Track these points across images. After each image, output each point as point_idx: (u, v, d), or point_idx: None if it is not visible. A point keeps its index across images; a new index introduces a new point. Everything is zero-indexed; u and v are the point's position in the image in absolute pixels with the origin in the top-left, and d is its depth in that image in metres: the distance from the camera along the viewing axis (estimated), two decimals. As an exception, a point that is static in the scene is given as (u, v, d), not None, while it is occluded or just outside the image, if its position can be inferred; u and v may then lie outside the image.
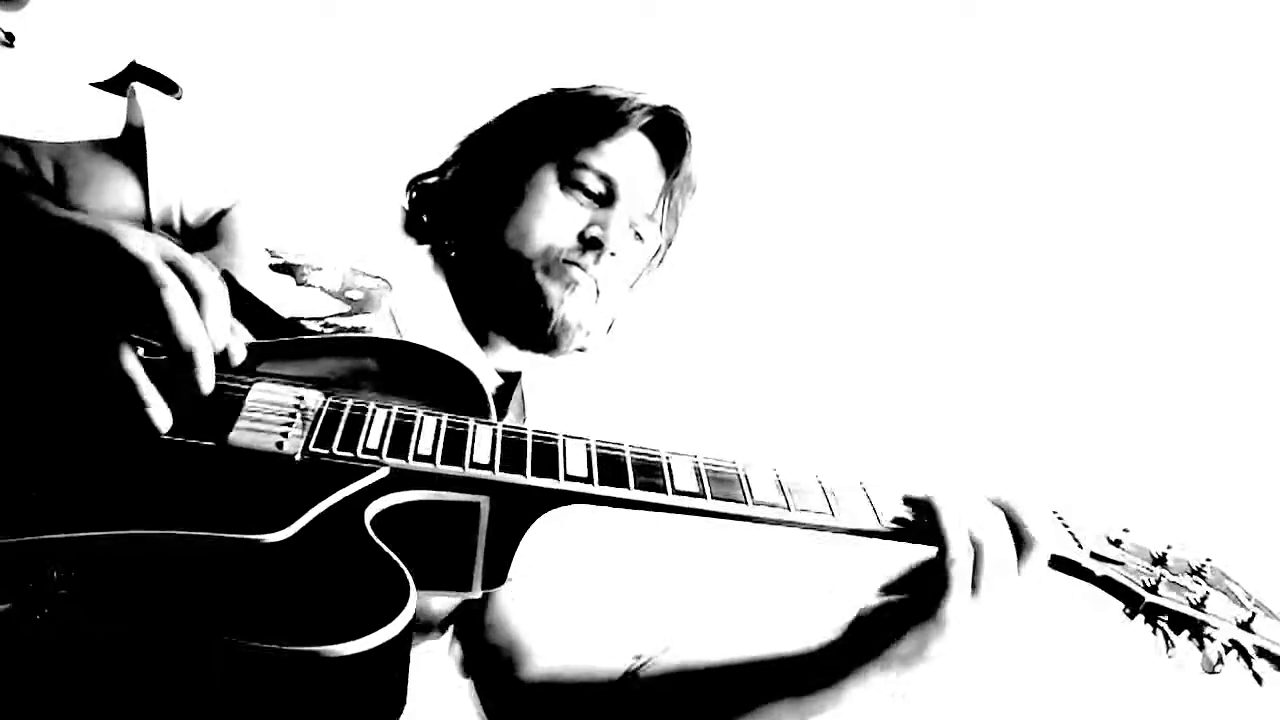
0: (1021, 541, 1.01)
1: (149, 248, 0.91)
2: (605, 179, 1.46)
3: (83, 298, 0.91)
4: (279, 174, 1.43)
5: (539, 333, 1.44)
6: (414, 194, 1.59)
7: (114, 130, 1.42)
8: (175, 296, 0.89)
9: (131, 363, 0.90)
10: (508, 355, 1.50)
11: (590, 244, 1.43)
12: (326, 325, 1.30)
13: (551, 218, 1.44)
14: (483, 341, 1.48)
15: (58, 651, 0.78)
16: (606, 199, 1.47)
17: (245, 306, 1.25)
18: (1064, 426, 2.45)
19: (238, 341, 1.00)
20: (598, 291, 1.44)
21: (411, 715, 0.94)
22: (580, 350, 1.55)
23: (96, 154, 1.35)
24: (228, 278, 1.27)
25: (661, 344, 2.31)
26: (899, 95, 2.63)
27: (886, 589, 1.06)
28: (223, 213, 1.36)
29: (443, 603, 1.36)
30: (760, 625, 1.13)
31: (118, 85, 2.53)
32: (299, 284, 1.31)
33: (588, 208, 1.46)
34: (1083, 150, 2.59)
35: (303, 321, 1.28)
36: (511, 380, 1.49)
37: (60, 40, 2.44)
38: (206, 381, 0.92)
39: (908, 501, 1.06)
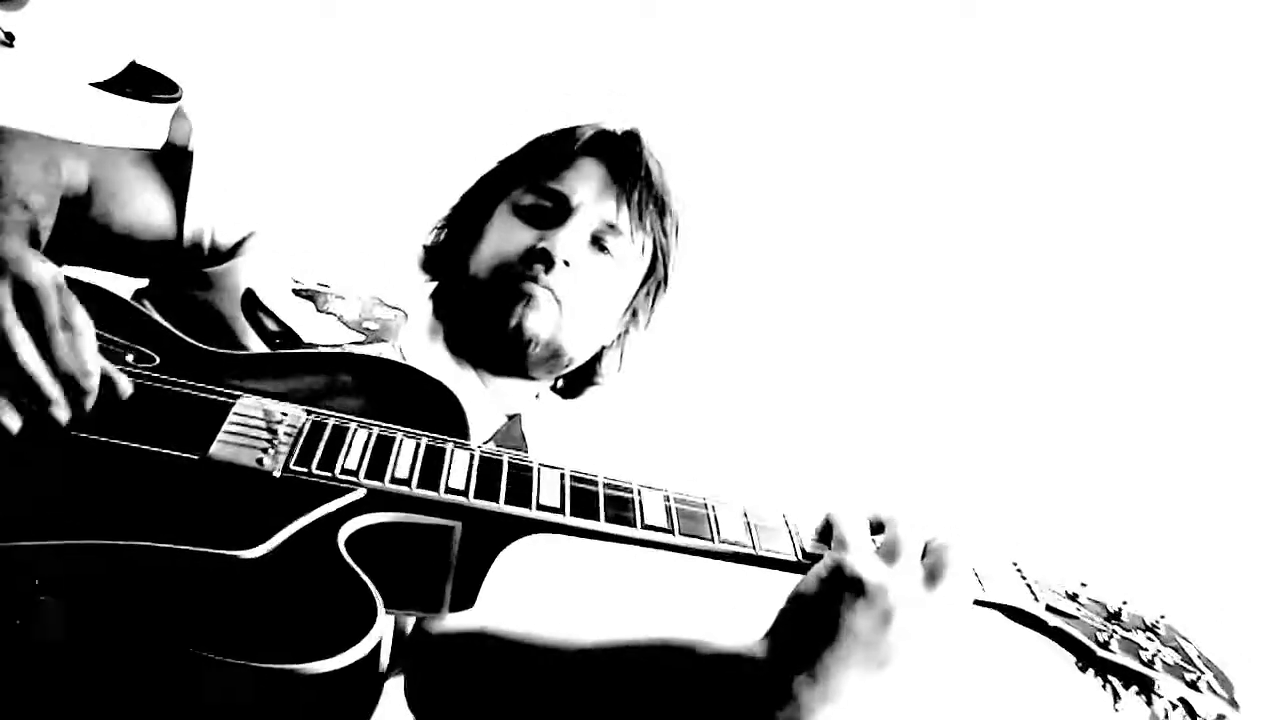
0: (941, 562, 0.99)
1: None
2: (554, 194, 1.50)
3: None
4: (306, 198, 1.47)
5: (503, 350, 1.46)
6: (423, 252, 1.64)
7: (119, 132, 1.44)
8: (10, 322, 0.90)
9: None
10: (507, 392, 1.52)
11: (539, 256, 1.45)
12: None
13: (504, 240, 1.49)
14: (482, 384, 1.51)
15: (34, 659, 0.79)
16: (558, 218, 1.50)
17: (268, 324, 1.28)
18: (1035, 481, 2.46)
19: (116, 372, 0.99)
20: (558, 302, 1.46)
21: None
22: (594, 384, 1.62)
23: (136, 165, 1.38)
24: (250, 295, 1.30)
25: (664, 380, 2.31)
26: (898, 96, 2.64)
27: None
28: (248, 236, 1.40)
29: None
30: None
31: (118, 85, 2.54)
32: (319, 310, 1.34)
33: (540, 229, 1.49)
34: (1084, 152, 2.60)
35: (319, 346, 1.30)
36: (511, 420, 1.52)
37: (60, 40, 2.44)
38: (61, 413, 0.93)
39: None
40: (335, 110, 2.61)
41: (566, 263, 1.46)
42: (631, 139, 1.58)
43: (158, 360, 1.08)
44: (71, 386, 0.93)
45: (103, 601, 0.81)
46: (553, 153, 1.55)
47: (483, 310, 1.45)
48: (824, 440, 2.54)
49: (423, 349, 1.44)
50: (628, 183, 1.53)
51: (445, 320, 1.51)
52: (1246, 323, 2.53)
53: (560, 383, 1.65)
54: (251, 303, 1.29)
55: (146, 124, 2.41)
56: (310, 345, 1.29)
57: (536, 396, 1.62)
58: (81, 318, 0.94)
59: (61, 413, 0.93)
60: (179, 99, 2.57)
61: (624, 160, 1.55)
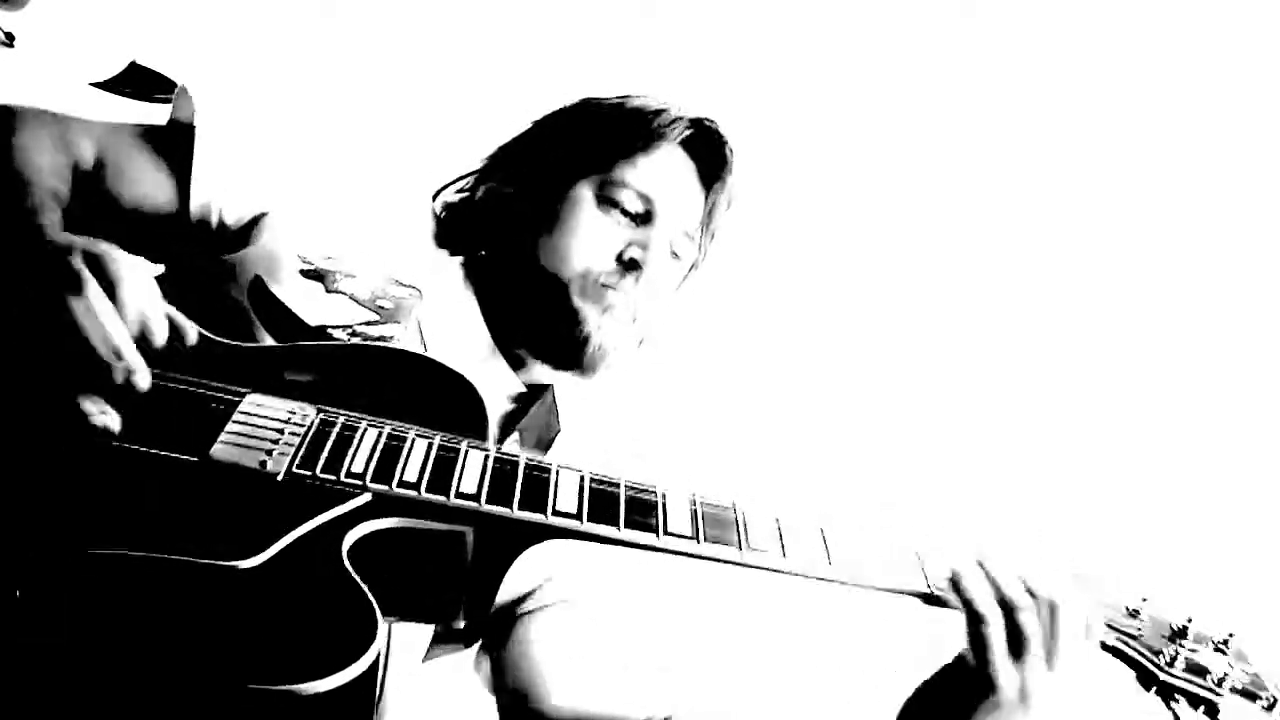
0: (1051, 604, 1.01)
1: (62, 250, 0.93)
2: (644, 198, 1.41)
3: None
4: (314, 179, 1.42)
5: (575, 356, 1.38)
6: (442, 207, 1.56)
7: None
8: (81, 306, 0.91)
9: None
10: (540, 374, 1.46)
11: (629, 266, 1.38)
12: (353, 334, 1.27)
13: (589, 238, 1.39)
14: (514, 359, 1.44)
15: (19, 673, 0.76)
16: (645, 218, 1.42)
17: (273, 313, 1.23)
18: (1090, 490, 2.41)
19: (161, 324, 0.98)
20: (634, 317, 1.40)
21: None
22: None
23: (141, 140, 1.35)
24: (258, 283, 1.25)
25: (692, 352, 2.27)
26: (898, 96, 2.60)
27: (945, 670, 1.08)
28: (259, 217, 1.34)
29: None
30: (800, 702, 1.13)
31: (118, 85, 2.52)
32: (329, 290, 1.29)
33: (625, 227, 1.41)
34: (1085, 152, 2.56)
35: (329, 329, 1.25)
36: (537, 389, 1.46)
37: (60, 40, 2.43)
38: (141, 379, 0.94)
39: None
40: (341, 93, 2.58)
41: (650, 277, 1.40)
42: (719, 139, 1.49)
43: (167, 353, 1.03)
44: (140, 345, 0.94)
45: (92, 611, 0.78)
46: (634, 134, 1.44)
47: (560, 312, 1.37)
48: (857, 435, 2.50)
49: (446, 325, 1.38)
50: (713, 191, 1.47)
51: (489, 301, 1.44)
52: (1236, 319, 2.50)
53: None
54: (258, 290, 1.24)
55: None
56: (320, 329, 1.24)
57: None
58: (130, 272, 0.94)
59: (143, 379, 0.93)
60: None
61: (714, 162, 1.48)
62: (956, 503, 2.23)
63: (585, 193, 1.42)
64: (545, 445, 1.44)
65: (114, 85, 2.52)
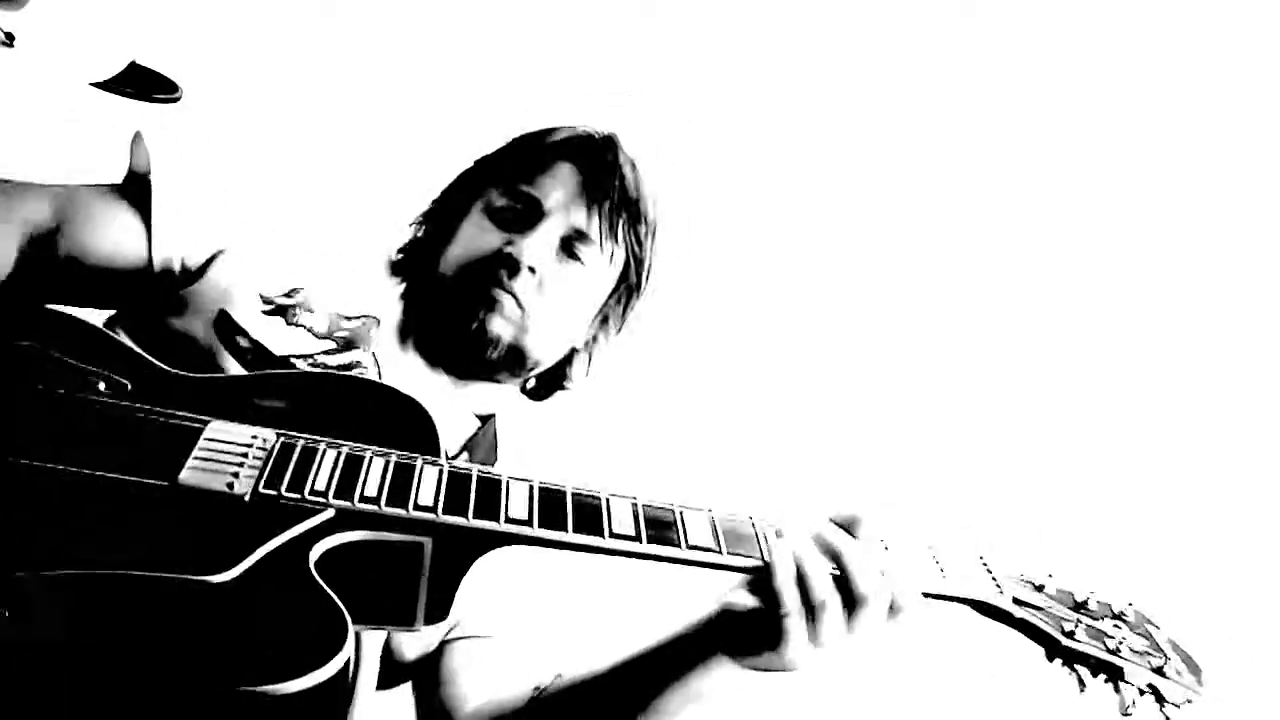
0: (854, 600, 1.05)
1: None
2: (527, 197, 1.49)
3: None
4: (273, 212, 1.49)
5: (465, 352, 1.46)
6: (401, 249, 1.65)
7: (111, 142, 1.46)
8: None
9: None
10: (477, 394, 1.53)
11: (505, 260, 1.44)
12: (315, 364, 1.34)
13: (473, 241, 1.49)
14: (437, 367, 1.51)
15: (8, 686, 0.81)
16: (530, 220, 1.49)
17: (240, 342, 1.30)
18: (1089, 490, 2.45)
19: None
20: (522, 308, 1.45)
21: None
22: (563, 388, 1.61)
23: (101, 197, 1.39)
24: (224, 315, 1.31)
25: (637, 386, 2.31)
26: (898, 96, 2.62)
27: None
28: (216, 254, 1.40)
29: (415, 649, 1.41)
30: (631, 635, 1.20)
31: (118, 85, 2.55)
32: (289, 324, 1.36)
33: (510, 231, 1.48)
34: (1083, 152, 2.57)
35: (292, 359, 1.32)
36: (484, 419, 1.52)
37: (60, 40, 2.45)
38: None
39: None
40: (310, 117, 2.61)
41: (532, 269, 1.45)
42: (608, 145, 1.56)
43: (130, 387, 1.10)
44: None
45: (69, 628, 0.84)
46: (529, 154, 1.54)
47: (446, 311, 1.45)
48: (794, 441, 2.54)
49: (394, 354, 1.45)
50: (599, 191, 1.51)
51: (415, 321, 1.51)
52: (1235, 320, 2.52)
53: (529, 384, 1.63)
54: (225, 323, 1.30)
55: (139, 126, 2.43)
56: (284, 360, 1.30)
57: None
58: None
59: None
60: (179, 99, 2.58)
61: (599, 167, 1.53)
62: (953, 506, 2.27)
63: (477, 206, 1.52)
64: None
65: (114, 85, 2.56)
